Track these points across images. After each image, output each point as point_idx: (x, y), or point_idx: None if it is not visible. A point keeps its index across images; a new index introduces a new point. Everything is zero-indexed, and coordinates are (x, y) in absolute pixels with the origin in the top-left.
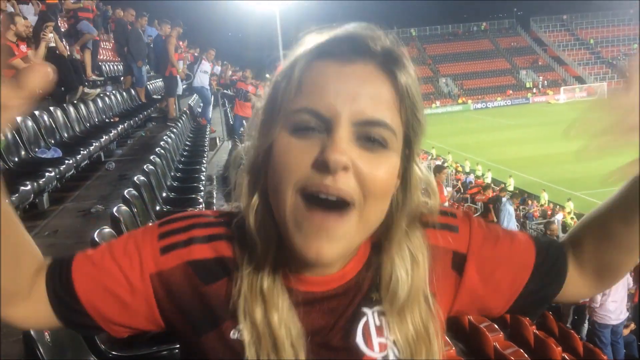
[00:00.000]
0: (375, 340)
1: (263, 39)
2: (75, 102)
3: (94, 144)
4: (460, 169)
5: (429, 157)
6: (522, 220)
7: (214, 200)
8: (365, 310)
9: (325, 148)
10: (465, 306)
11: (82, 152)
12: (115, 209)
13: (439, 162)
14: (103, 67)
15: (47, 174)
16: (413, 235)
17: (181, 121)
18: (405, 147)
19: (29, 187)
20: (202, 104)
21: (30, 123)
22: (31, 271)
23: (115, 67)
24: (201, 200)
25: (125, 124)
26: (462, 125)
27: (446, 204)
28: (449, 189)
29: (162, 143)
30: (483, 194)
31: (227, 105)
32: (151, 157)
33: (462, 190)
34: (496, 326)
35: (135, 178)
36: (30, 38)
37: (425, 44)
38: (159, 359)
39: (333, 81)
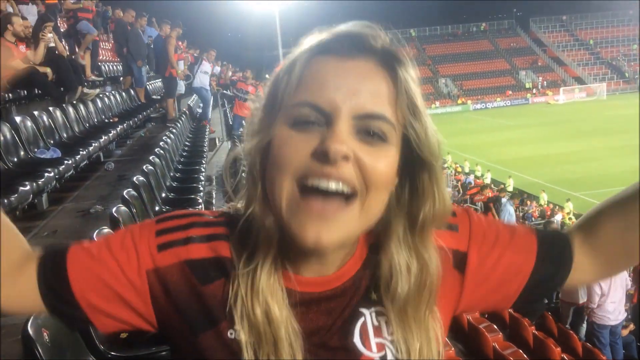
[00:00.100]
0: (373, 340)
1: (262, 39)
2: (74, 102)
3: (93, 144)
4: (459, 169)
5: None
6: (521, 220)
7: (214, 201)
8: (363, 310)
9: (325, 139)
10: (470, 304)
11: (81, 152)
12: (114, 209)
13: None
14: (102, 67)
15: (46, 174)
16: (422, 237)
17: (180, 122)
18: (405, 146)
19: (28, 187)
20: (201, 105)
21: (29, 123)
22: (17, 255)
23: (114, 67)
24: (200, 200)
25: (125, 125)
26: (461, 126)
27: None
28: (449, 189)
29: (161, 143)
30: (482, 194)
31: (226, 106)
32: (150, 158)
33: (461, 192)
34: (495, 327)
35: (134, 178)
36: (29, 38)
37: (424, 45)
38: None
39: (333, 76)
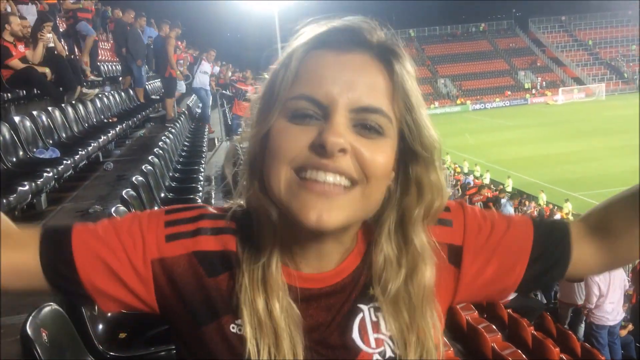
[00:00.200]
0: (372, 336)
1: (262, 40)
2: (73, 102)
3: (92, 144)
4: (458, 169)
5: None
6: None
7: (213, 201)
8: (362, 306)
9: (322, 131)
10: (466, 297)
11: (80, 152)
12: (113, 209)
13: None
14: (101, 67)
15: (45, 174)
16: (417, 230)
17: (179, 122)
18: (400, 140)
19: (26, 187)
20: (200, 105)
21: (28, 123)
22: (10, 228)
23: (113, 67)
24: (199, 201)
25: (124, 125)
26: (460, 126)
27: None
28: (448, 189)
29: (160, 143)
30: (480, 194)
31: (225, 106)
32: (149, 158)
33: (461, 192)
34: (494, 327)
35: (133, 178)
36: (27, 38)
37: (424, 45)
38: None
39: (330, 70)
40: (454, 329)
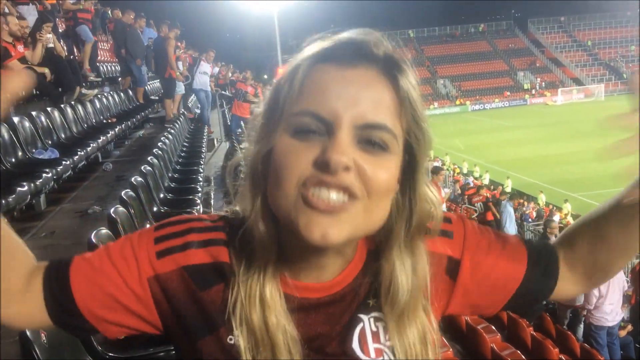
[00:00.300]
0: (372, 346)
1: (261, 40)
2: (72, 102)
3: (91, 144)
4: (458, 170)
5: (427, 159)
6: (519, 221)
7: (212, 202)
8: (362, 316)
9: (326, 149)
10: (458, 309)
11: (79, 153)
12: (112, 210)
13: (437, 164)
14: (100, 67)
15: (44, 174)
16: (415, 242)
17: (179, 122)
18: (405, 153)
19: (25, 188)
20: (199, 106)
21: (27, 124)
22: (25, 271)
23: (112, 67)
24: (199, 201)
25: (123, 125)
26: (460, 127)
27: (444, 204)
28: (447, 190)
29: (159, 144)
30: (479, 195)
31: (224, 107)
32: (149, 158)
33: (460, 192)
34: (493, 327)
35: (132, 179)
36: (27, 38)
37: (423, 46)
38: None
39: (335, 85)
40: (454, 330)
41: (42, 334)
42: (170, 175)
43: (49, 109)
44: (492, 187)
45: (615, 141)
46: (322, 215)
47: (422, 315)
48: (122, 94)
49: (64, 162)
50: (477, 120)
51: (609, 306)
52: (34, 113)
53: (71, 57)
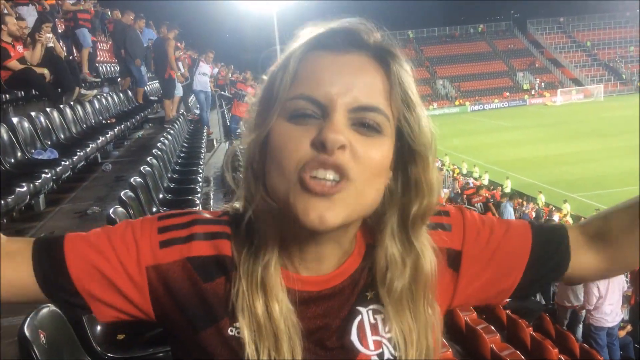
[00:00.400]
0: (370, 338)
1: (261, 41)
2: (71, 103)
3: (90, 145)
4: (457, 170)
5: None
6: None
7: (211, 202)
8: (360, 308)
9: (322, 129)
10: (464, 299)
11: (78, 153)
12: (111, 210)
13: (436, 164)
14: (100, 68)
15: (43, 175)
16: (415, 232)
17: (178, 123)
18: (398, 140)
19: (25, 188)
20: (198, 107)
21: (26, 124)
22: None
23: (112, 68)
24: (198, 201)
25: (122, 126)
26: (459, 127)
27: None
28: (446, 190)
29: (158, 144)
30: (478, 195)
31: (224, 107)
32: (148, 159)
33: (460, 192)
34: (493, 328)
35: (131, 179)
36: (26, 39)
37: (422, 46)
38: None
39: (329, 70)
40: (453, 330)
41: (41, 335)
42: (169, 175)
43: (48, 109)
44: (491, 188)
45: None
46: (318, 199)
47: (426, 307)
48: (121, 95)
49: (63, 163)
50: (476, 120)
51: (609, 307)
52: (33, 113)
53: (70, 57)
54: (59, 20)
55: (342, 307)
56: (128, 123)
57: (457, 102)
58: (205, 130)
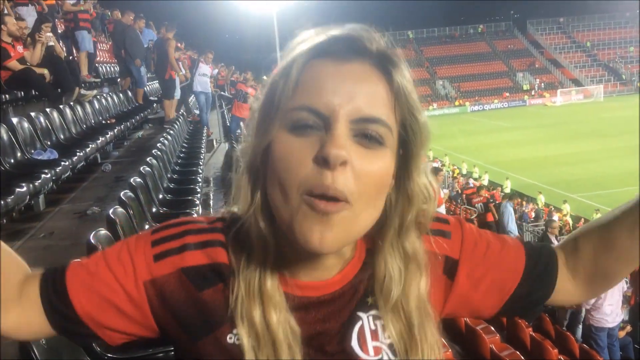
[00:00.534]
0: (370, 344)
1: (260, 41)
2: (71, 103)
3: (90, 145)
4: (457, 171)
5: (426, 160)
6: (518, 222)
7: (211, 202)
8: (361, 314)
9: (324, 143)
10: (455, 309)
11: (78, 153)
12: (111, 210)
13: (436, 165)
14: (100, 68)
15: (42, 175)
16: (410, 237)
17: (178, 123)
18: (400, 147)
19: (24, 188)
20: (198, 107)
21: (26, 124)
22: (17, 278)
23: (111, 68)
24: (198, 202)
25: (122, 126)
26: (459, 128)
27: (443, 205)
28: (446, 190)
29: (158, 145)
30: (479, 195)
31: (224, 107)
32: (148, 159)
33: (460, 192)
34: (492, 328)
35: (131, 180)
36: (26, 39)
37: (422, 47)
38: None
39: (331, 80)
40: (453, 331)
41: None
42: (169, 176)
43: (48, 109)
44: (491, 188)
45: None
46: (319, 220)
47: (421, 310)
48: (121, 95)
49: (62, 163)
50: (476, 121)
51: (609, 307)
52: (32, 114)
53: (70, 58)
54: (59, 21)
55: (342, 312)
56: (128, 123)
57: (457, 103)
58: (205, 131)
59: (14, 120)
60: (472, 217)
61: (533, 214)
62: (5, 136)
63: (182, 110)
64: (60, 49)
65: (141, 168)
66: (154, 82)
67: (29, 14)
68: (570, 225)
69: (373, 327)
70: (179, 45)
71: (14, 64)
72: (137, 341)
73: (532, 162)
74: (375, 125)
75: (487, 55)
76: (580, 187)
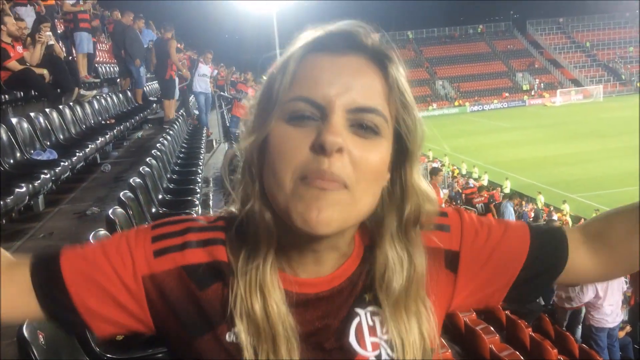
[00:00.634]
0: (368, 339)
1: (260, 41)
2: (71, 103)
3: (89, 145)
4: (456, 171)
5: (426, 160)
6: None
7: (211, 203)
8: (358, 310)
9: (321, 131)
10: (463, 301)
11: (77, 154)
12: (110, 211)
13: (435, 165)
14: (99, 68)
15: (42, 175)
16: (409, 234)
17: (177, 123)
18: (395, 142)
19: (24, 189)
20: (197, 107)
21: (25, 125)
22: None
23: (111, 68)
24: (197, 202)
25: (121, 126)
26: (458, 128)
27: (443, 205)
28: (445, 190)
29: (158, 145)
30: (480, 196)
31: (224, 107)
32: (147, 159)
33: (460, 192)
34: (492, 328)
35: (131, 180)
36: (25, 39)
37: (422, 47)
38: None
39: (327, 72)
40: (452, 331)
41: (40, 335)
42: (168, 176)
43: (47, 110)
44: (490, 188)
45: None
46: (316, 200)
47: (420, 307)
48: (120, 95)
49: (62, 163)
50: (475, 121)
51: (609, 307)
52: (32, 114)
53: (70, 58)
54: (59, 21)
55: (341, 308)
56: (127, 124)
57: (456, 103)
58: (204, 131)
59: (14, 120)
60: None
61: (532, 214)
62: (4, 136)
63: (181, 111)
64: (60, 49)
65: (141, 168)
66: (154, 82)
67: (28, 14)
68: (570, 225)
69: (371, 323)
70: (178, 45)
71: (13, 64)
72: (136, 337)
73: (532, 162)
74: (371, 115)
75: (487, 55)
76: (579, 187)
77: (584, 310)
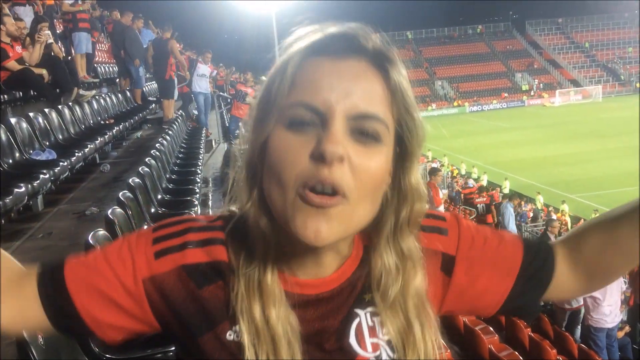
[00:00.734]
0: (368, 340)
1: (259, 41)
2: (70, 103)
3: (88, 145)
4: (456, 171)
5: (426, 160)
6: (517, 222)
7: (210, 203)
8: (358, 311)
9: (321, 140)
10: (453, 307)
11: (76, 154)
12: (110, 211)
13: (435, 165)
14: (98, 68)
15: (41, 175)
16: (405, 234)
17: (176, 123)
18: (397, 145)
19: (23, 189)
20: (197, 108)
21: (24, 125)
22: (12, 275)
23: (110, 68)
24: (196, 202)
25: (121, 126)
26: (458, 128)
27: (442, 206)
28: (445, 190)
29: (157, 145)
30: (481, 196)
31: (223, 107)
32: (146, 160)
33: (460, 192)
34: (491, 329)
35: (130, 180)
36: (24, 39)
37: (421, 47)
38: None
39: (327, 77)
40: (451, 331)
41: (40, 336)
42: (168, 176)
43: (46, 110)
44: (489, 188)
45: None
46: (315, 213)
47: (420, 308)
48: (120, 95)
49: (61, 163)
50: (475, 121)
51: (608, 308)
52: (31, 114)
53: (69, 58)
54: (58, 21)
55: (341, 309)
56: (126, 124)
57: (455, 103)
58: (203, 131)
59: (13, 120)
60: (472, 217)
61: (531, 214)
62: (3, 136)
63: (180, 111)
64: (59, 49)
65: (140, 168)
66: (153, 82)
67: (26, 14)
68: (569, 225)
69: (371, 324)
70: (179, 46)
71: (12, 64)
72: (137, 339)
73: (531, 162)
74: (371, 121)
75: (486, 55)
76: (579, 188)
77: (583, 311)
